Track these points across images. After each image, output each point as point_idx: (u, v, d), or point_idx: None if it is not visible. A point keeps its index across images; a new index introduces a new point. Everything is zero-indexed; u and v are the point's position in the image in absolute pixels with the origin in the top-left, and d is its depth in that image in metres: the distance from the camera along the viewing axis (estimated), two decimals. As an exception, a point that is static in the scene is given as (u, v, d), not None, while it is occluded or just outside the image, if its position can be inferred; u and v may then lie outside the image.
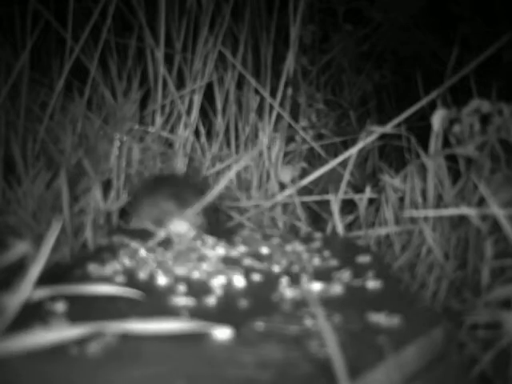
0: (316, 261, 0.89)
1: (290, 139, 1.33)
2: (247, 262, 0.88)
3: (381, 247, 1.03)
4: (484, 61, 1.07)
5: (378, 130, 1.14)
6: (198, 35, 1.28)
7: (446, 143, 0.99)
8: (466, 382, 0.59)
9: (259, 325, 0.64)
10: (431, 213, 0.94)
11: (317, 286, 0.76)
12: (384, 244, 1.03)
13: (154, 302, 0.70)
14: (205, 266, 0.84)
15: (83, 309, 0.64)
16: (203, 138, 1.29)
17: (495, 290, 0.69)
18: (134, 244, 0.95)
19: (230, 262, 0.87)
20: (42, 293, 0.59)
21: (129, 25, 1.28)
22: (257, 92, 1.30)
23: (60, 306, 0.66)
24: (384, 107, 1.59)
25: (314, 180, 1.20)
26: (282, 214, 1.20)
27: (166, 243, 0.98)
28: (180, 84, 1.28)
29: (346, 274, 0.81)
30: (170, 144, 1.28)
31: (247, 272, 0.82)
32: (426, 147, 1.01)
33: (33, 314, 0.60)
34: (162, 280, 0.78)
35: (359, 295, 0.74)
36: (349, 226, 1.12)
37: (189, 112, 1.29)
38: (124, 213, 1.07)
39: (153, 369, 0.52)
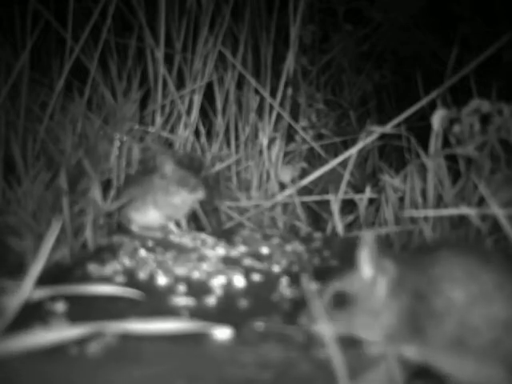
0: (316, 261, 0.89)
1: (290, 139, 1.33)
2: (247, 261, 0.88)
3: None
4: (484, 61, 1.07)
5: (378, 130, 1.14)
6: (197, 35, 1.28)
7: (446, 143, 0.99)
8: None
9: (259, 325, 0.63)
10: (431, 213, 0.94)
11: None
12: (384, 244, 1.03)
13: (154, 302, 0.70)
14: (205, 266, 0.84)
15: (83, 309, 0.64)
16: (203, 138, 1.29)
17: None
18: (133, 244, 0.96)
19: (229, 262, 0.87)
20: (42, 293, 0.59)
21: (129, 25, 1.28)
22: (257, 92, 1.30)
23: (60, 306, 0.66)
24: (384, 107, 1.58)
25: (314, 180, 1.20)
26: (281, 214, 1.20)
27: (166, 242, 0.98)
28: (180, 84, 1.28)
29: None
30: (170, 144, 1.28)
31: (247, 272, 0.82)
32: (426, 147, 1.01)
33: (33, 314, 0.60)
34: (162, 280, 0.78)
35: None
36: (349, 226, 1.12)
37: (189, 112, 1.28)
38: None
39: (153, 369, 0.52)
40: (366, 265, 0.57)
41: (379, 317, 0.56)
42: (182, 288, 0.75)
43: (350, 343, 0.58)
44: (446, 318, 0.53)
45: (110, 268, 0.82)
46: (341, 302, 0.58)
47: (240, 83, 1.31)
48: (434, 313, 0.54)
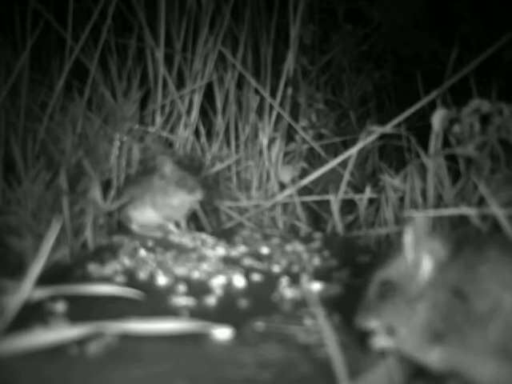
0: (316, 261, 0.89)
1: (290, 139, 1.33)
2: (247, 261, 0.88)
3: (381, 247, 1.03)
4: (484, 61, 1.07)
5: (378, 130, 1.14)
6: (198, 35, 1.28)
7: (446, 143, 0.99)
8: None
9: (259, 325, 0.64)
10: (431, 213, 0.94)
11: (317, 286, 0.76)
12: (384, 244, 1.03)
13: (154, 302, 0.70)
14: (205, 266, 0.84)
15: (83, 309, 0.64)
16: (203, 138, 1.29)
17: None
18: (133, 244, 0.95)
19: (230, 262, 0.87)
20: (42, 293, 0.59)
21: (129, 25, 1.28)
22: (257, 92, 1.30)
23: (60, 306, 0.66)
24: (384, 107, 1.58)
25: (314, 180, 1.20)
26: (282, 214, 1.20)
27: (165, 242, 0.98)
28: (180, 84, 1.28)
29: (345, 274, 0.81)
30: (170, 144, 1.28)
31: (247, 272, 0.82)
32: (426, 147, 1.01)
33: (33, 314, 0.60)
34: (162, 280, 0.78)
35: (359, 295, 0.74)
36: (349, 226, 1.12)
37: (189, 112, 1.28)
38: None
39: (153, 369, 0.52)
40: (410, 247, 0.53)
41: (417, 306, 0.52)
42: (182, 288, 0.75)
43: (349, 343, 0.58)
44: (489, 322, 0.49)
45: (110, 268, 0.82)
46: (387, 291, 0.54)
47: (240, 83, 1.31)
48: (476, 315, 0.50)
